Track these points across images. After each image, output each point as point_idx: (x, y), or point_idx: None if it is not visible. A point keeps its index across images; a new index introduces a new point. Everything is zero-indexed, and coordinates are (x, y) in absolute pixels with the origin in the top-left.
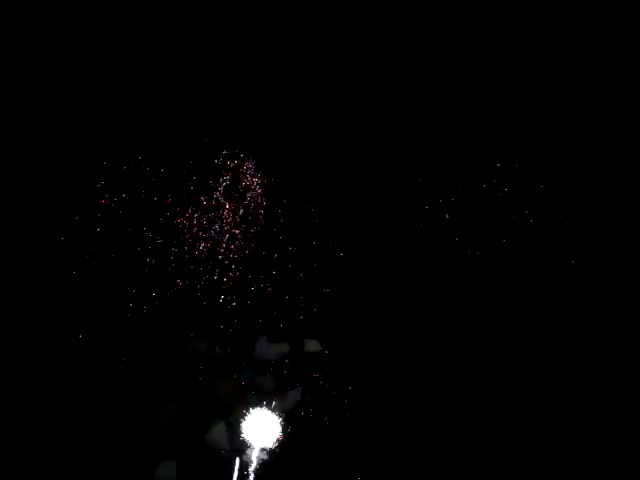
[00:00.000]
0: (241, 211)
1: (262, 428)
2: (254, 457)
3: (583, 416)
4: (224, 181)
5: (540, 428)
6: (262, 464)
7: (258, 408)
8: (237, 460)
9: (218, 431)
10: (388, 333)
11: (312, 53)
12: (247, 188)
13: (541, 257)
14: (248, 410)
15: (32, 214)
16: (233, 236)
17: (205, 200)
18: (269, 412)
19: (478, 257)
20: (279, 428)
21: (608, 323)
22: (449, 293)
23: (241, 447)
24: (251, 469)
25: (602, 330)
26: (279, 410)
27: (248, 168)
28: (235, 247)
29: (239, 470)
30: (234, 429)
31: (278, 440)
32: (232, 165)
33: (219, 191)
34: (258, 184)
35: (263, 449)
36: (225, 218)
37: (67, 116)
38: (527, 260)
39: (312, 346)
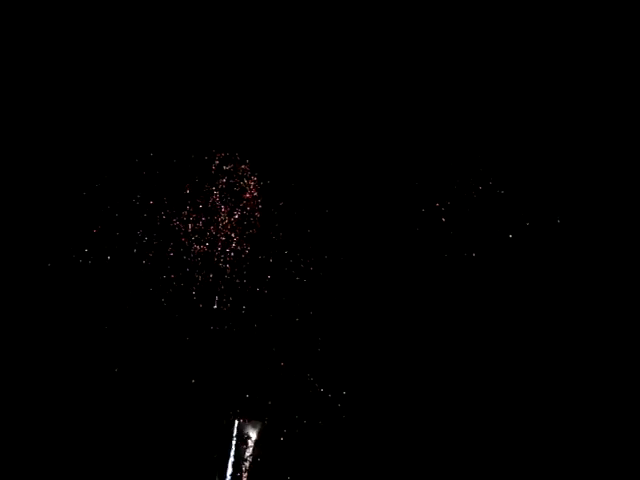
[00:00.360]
0: (237, 215)
1: (256, 423)
2: (248, 452)
3: (583, 416)
4: (220, 184)
5: (540, 428)
6: (257, 459)
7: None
8: (232, 455)
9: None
10: (385, 334)
11: (308, 55)
12: (243, 190)
13: (540, 258)
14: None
15: (28, 215)
16: (229, 239)
17: (201, 203)
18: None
19: (475, 259)
20: (273, 423)
21: (608, 323)
22: (446, 295)
23: (235, 441)
24: (244, 466)
25: (602, 330)
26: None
27: (244, 170)
28: (231, 250)
29: (233, 465)
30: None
31: (272, 435)
32: (228, 167)
33: (215, 194)
34: (254, 186)
35: (257, 443)
36: (221, 221)
37: (61, 119)
38: (526, 262)
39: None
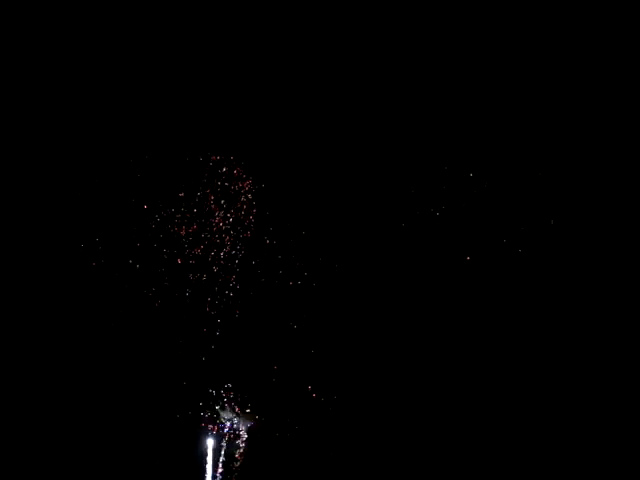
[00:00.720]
0: (231, 218)
1: (248, 420)
2: (239, 451)
3: (583, 416)
4: (214, 187)
5: (540, 428)
6: (246, 455)
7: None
8: (222, 451)
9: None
10: (377, 340)
11: (303, 60)
12: (237, 194)
13: (539, 260)
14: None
15: (22, 221)
16: (222, 242)
17: (195, 206)
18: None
19: (469, 263)
20: (265, 420)
21: (608, 323)
22: (437, 301)
23: (226, 437)
24: (235, 465)
25: (602, 330)
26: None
27: (239, 173)
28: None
29: (224, 461)
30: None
31: (263, 431)
32: (223, 171)
33: (209, 197)
34: (249, 190)
35: (248, 443)
36: (215, 225)
37: (56, 123)
38: (524, 263)
39: None
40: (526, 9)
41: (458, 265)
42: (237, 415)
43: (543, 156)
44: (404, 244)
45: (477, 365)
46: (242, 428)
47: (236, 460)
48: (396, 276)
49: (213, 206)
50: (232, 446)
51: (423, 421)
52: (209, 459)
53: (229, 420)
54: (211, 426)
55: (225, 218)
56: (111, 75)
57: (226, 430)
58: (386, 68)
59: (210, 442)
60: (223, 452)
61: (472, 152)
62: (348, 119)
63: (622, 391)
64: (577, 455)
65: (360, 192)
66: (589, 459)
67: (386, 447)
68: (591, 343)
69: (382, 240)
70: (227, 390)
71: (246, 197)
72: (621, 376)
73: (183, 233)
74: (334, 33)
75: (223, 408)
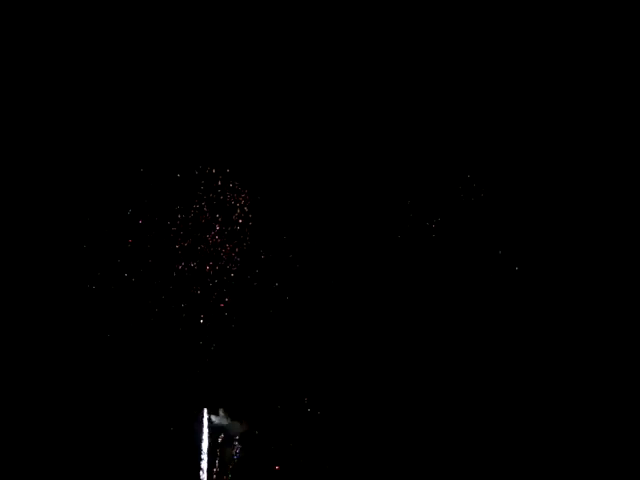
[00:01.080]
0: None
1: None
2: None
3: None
4: (210, 200)
5: (540, 428)
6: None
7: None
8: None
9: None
10: (368, 349)
11: (297, 74)
12: (234, 207)
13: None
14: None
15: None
16: (218, 255)
17: (191, 219)
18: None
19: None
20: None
21: (608, 324)
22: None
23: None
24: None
25: (602, 331)
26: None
27: (235, 186)
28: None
29: (219, 464)
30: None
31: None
32: (219, 184)
33: (205, 210)
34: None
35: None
36: (211, 237)
37: (53, 134)
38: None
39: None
40: (525, 10)
41: (455, 280)
42: (230, 421)
43: (541, 162)
44: (400, 257)
45: (471, 378)
46: (235, 434)
47: (230, 465)
48: (391, 289)
49: (209, 220)
50: (225, 451)
51: (416, 423)
52: (203, 464)
53: (222, 426)
54: (205, 431)
55: (221, 231)
56: (108, 88)
57: (219, 436)
58: (380, 82)
59: (204, 447)
60: (217, 460)
61: (467, 161)
62: (343, 134)
63: (620, 392)
64: (576, 454)
65: (356, 205)
66: (588, 458)
67: (379, 455)
68: (589, 345)
69: (378, 253)
70: (221, 396)
71: (242, 210)
72: (619, 377)
73: (178, 246)
74: (328, 50)
75: (216, 414)
